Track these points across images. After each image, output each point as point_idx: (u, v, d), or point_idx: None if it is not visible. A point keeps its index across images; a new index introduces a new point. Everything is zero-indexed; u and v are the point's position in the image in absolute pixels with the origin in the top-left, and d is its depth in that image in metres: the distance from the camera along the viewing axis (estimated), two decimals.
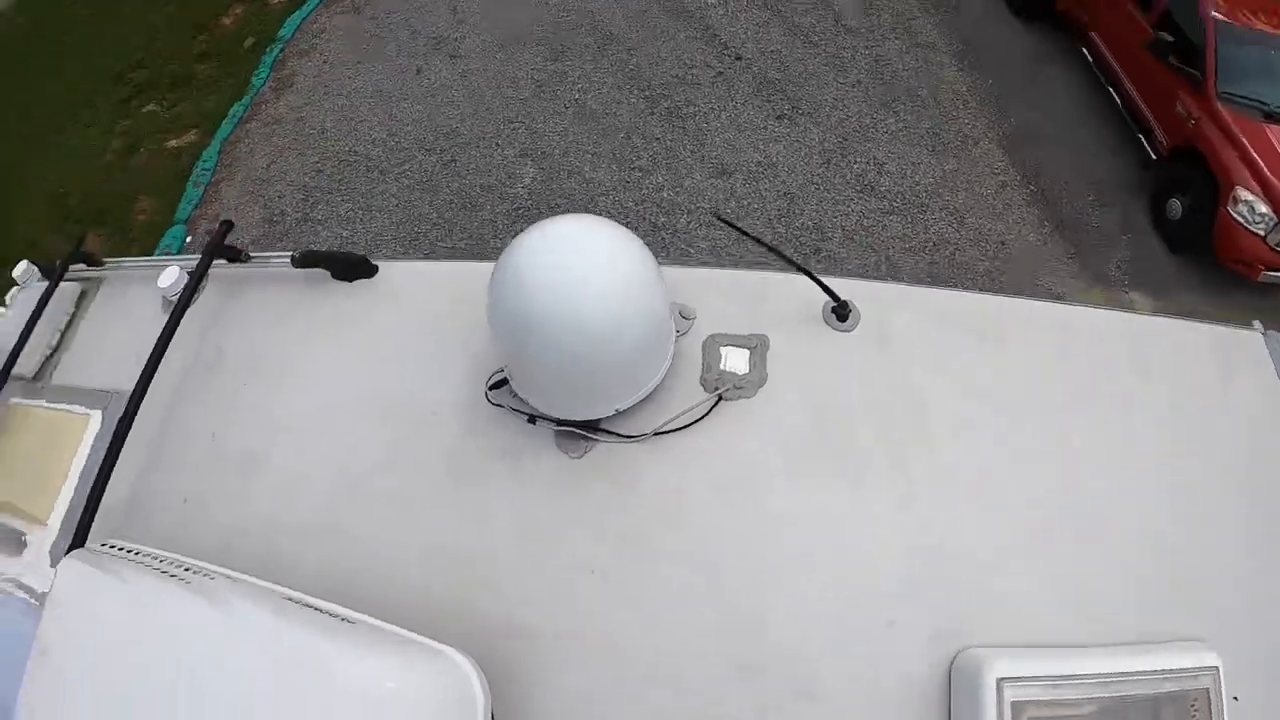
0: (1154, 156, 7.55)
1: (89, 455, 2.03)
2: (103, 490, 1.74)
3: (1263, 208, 6.36)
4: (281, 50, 9.52)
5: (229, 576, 1.45)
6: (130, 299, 2.34)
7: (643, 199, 6.90)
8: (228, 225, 2.18)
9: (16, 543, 2.03)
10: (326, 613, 1.32)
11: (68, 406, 2.16)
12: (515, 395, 1.62)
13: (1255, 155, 6.51)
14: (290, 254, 2.03)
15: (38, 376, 2.28)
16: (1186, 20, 7.22)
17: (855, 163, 7.32)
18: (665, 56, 8.16)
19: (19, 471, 2.13)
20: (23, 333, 2.23)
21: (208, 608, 1.33)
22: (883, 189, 7.16)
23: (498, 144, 7.52)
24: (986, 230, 7.06)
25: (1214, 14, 7.11)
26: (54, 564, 1.90)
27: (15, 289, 2.65)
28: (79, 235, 2.60)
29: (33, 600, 1.89)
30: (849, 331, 1.60)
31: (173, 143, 9.05)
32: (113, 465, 1.77)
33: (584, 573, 1.47)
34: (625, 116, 7.57)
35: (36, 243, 8.60)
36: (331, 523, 1.67)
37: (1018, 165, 7.59)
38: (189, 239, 7.99)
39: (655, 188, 6.96)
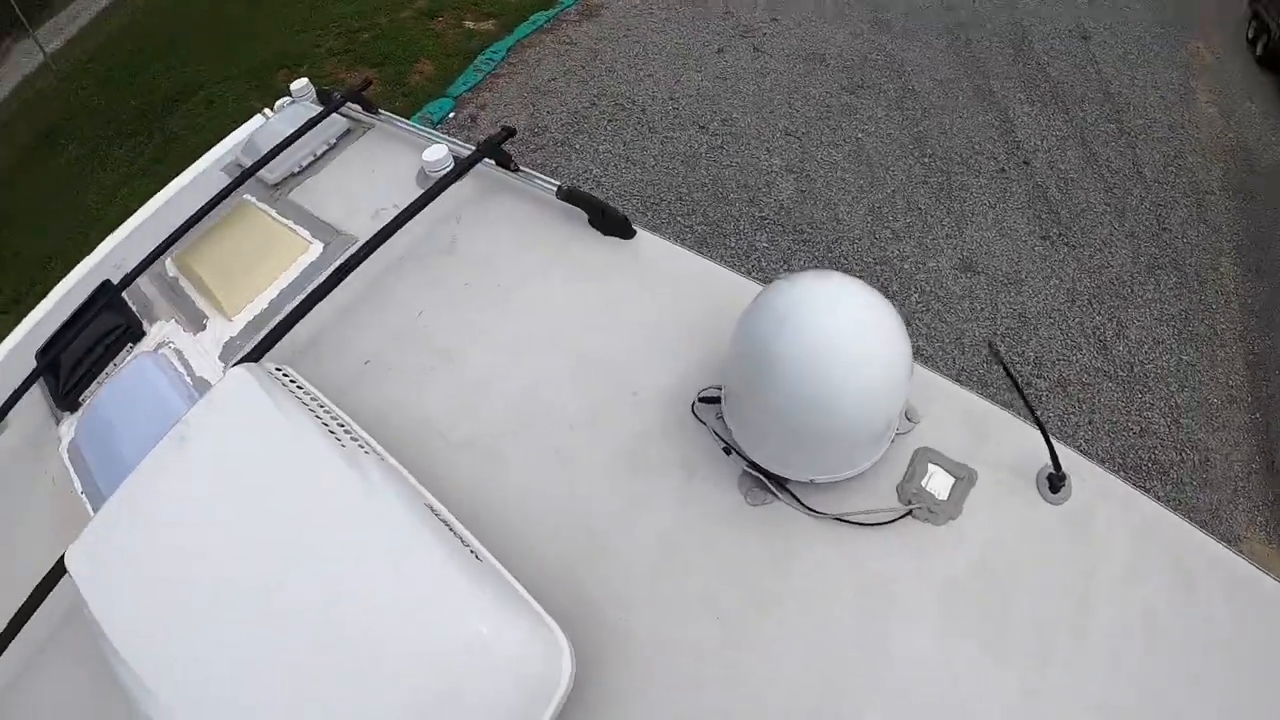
0: None
1: (295, 278, 2.08)
2: (297, 319, 1.78)
3: None
4: None
5: (382, 457, 1.43)
6: (389, 157, 2.37)
7: (883, 260, 6.86)
8: (510, 131, 2.21)
9: (197, 321, 2.11)
10: (460, 538, 1.31)
11: (293, 225, 2.22)
12: (720, 419, 1.57)
13: None
14: (557, 184, 2.02)
15: (278, 187, 2.38)
16: None
17: (1098, 314, 7.09)
18: (956, 132, 8.05)
19: (227, 262, 2.18)
20: (281, 143, 2.32)
21: (350, 474, 1.32)
22: (1114, 352, 6.92)
23: (768, 149, 7.60)
24: (1197, 439, 6.74)
25: None
26: (222, 357, 1.98)
27: (287, 99, 2.76)
28: (365, 77, 2.77)
29: (187, 378, 1.96)
30: (1055, 505, 1.52)
31: (469, 23, 9.48)
32: (318, 299, 1.80)
33: (706, 612, 1.40)
34: (898, 174, 7.52)
35: (315, 61, 9.22)
36: (492, 448, 1.63)
37: (1255, 388, 7.20)
38: (451, 114, 8.39)
39: (899, 256, 6.92)
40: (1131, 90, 9.09)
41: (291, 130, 2.41)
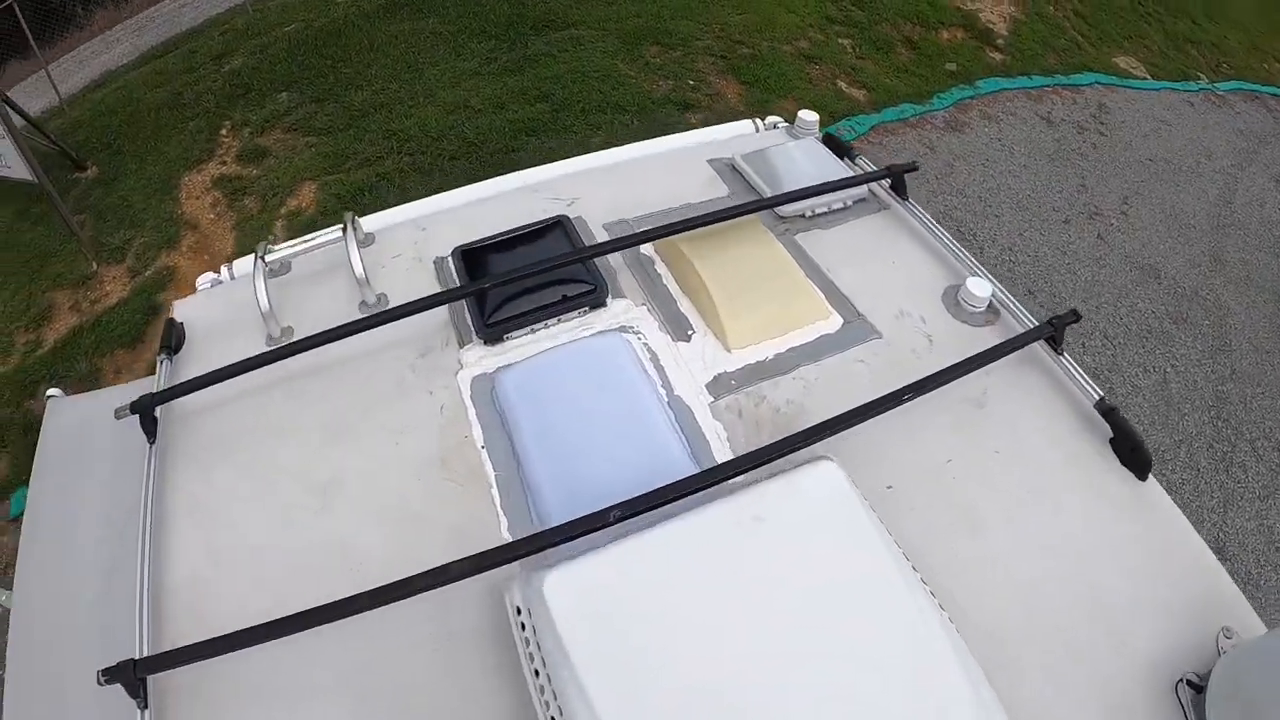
0: None
1: (807, 344, 2.00)
2: (855, 422, 1.66)
3: None
4: (970, 98, 10.06)
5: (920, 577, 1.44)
6: (910, 253, 2.30)
7: None
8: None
9: (681, 329, 2.01)
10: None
11: (812, 282, 2.13)
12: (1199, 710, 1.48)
13: None
14: (1100, 395, 1.89)
15: (786, 220, 2.36)
16: None
17: None
18: (1256, 408, 8.20)
19: (736, 286, 2.03)
20: (816, 187, 2.28)
21: (903, 585, 1.36)
22: None
23: (1083, 346, 7.87)
24: None
25: None
26: (711, 388, 1.88)
27: (775, 120, 3.09)
28: (912, 161, 2.48)
29: (660, 386, 1.86)
30: None
31: (842, 84, 9.84)
32: (877, 410, 1.69)
33: None
34: (1190, 425, 7.75)
35: (689, 50, 9.68)
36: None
37: None
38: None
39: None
40: None
41: (806, 163, 2.42)
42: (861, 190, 2.42)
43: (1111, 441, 1.85)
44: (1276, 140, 11.21)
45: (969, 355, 1.84)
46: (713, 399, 1.88)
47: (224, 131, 8.85)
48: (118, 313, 7.15)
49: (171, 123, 9.11)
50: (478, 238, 2.19)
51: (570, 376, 1.85)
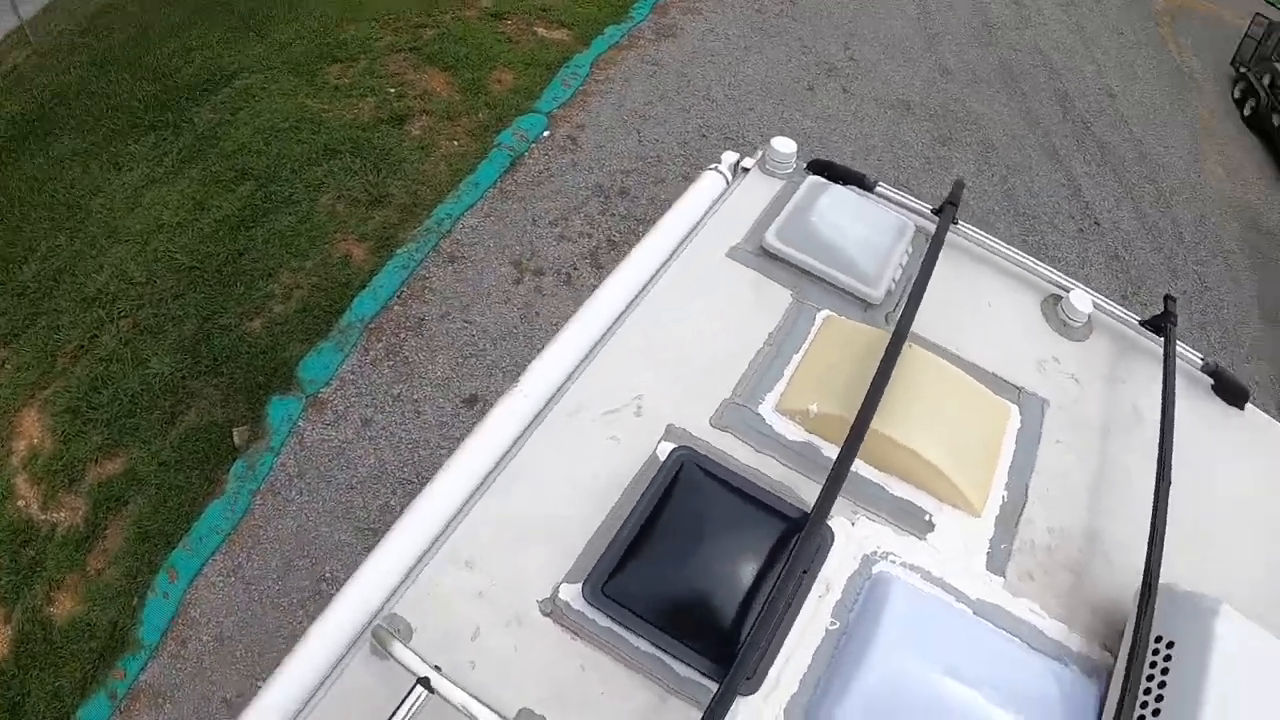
0: None
1: (1016, 455, 1.79)
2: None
3: None
4: None
5: None
6: (996, 285, 2.13)
7: None
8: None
9: (916, 519, 1.65)
10: None
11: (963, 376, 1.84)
12: None
13: None
14: (1203, 359, 2.02)
15: (878, 308, 1.99)
16: None
17: None
18: (1038, 191, 8.79)
19: (928, 427, 1.71)
20: (903, 267, 2.01)
21: None
22: None
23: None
24: None
25: None
26: (991, 568, 1.62)
27: (737, 159, 2.27)
28: (958, 179, 2.35)
29: (958, 604, 1.55)
30: None
31: (541, 30, 9.30)
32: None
33: None
34: (999, 230, 8.15)
35: (375, 57, 8.75)
36: None
37: None
38: (546, 133, 8.27)
39: None
40: (1158, 150, 10.18)
41: (852, 221, 2.04)
42: (908, 227, 2.10)
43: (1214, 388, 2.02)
44: None
45: (1113, 378, 1.95)
46: (1002, 578, 1.59)
47: None
48: None
49: None
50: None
51: (904, 669, 1.42)
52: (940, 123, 9.04)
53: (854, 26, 10.02)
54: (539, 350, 1.76)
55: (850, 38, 9.82)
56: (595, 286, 1.90)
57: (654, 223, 2.08)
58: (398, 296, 7.06)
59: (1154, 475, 1.66)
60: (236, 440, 6.17)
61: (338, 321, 6.81)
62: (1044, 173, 9.04)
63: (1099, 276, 8.29)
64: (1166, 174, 9.84)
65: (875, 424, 1.58)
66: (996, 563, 1.62)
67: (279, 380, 6.48)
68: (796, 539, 1.44)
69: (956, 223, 2.11)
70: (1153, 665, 1.40)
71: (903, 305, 1.85)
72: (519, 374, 1.71)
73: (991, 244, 2.14)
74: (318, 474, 6.02)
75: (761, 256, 2.01)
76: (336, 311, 6.86)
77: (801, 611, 1.46)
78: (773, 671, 1.40)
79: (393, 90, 8.51)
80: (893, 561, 1.58)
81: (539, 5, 9.53)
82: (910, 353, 1.77)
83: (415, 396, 6.53)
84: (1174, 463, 1.68)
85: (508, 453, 1.60)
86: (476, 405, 6.52)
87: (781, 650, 1.43)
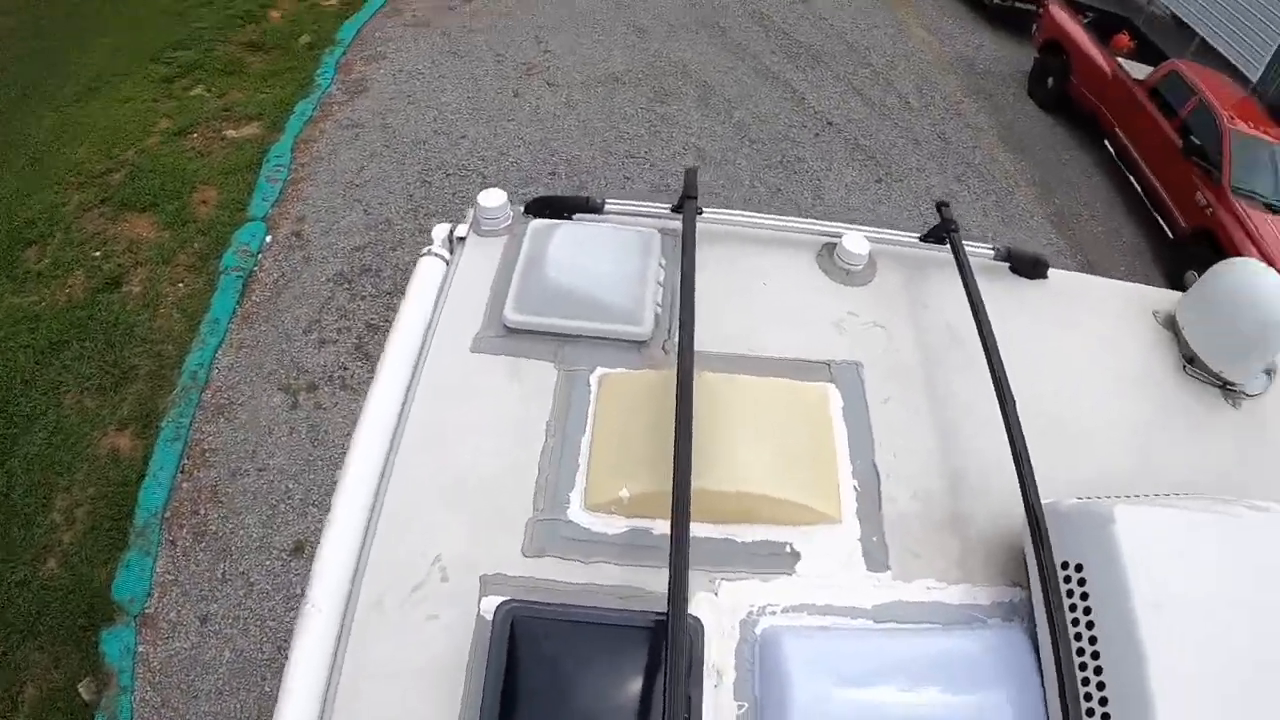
0: (1171, 235, 9.11)
1: (848, 433, 1.71)
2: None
3: None
4: (344, 54, 9.47)
5: None
6: (752, 259, 2.04)
7: None
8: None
9: (783, 556, 1.54)
10: None
11: (772, 376, 1.77)
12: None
13: (1261, 237, 8.25)
14: (995, 248, 2.12)
15: (648, 343, 1.83)
16: (1204, 128, 9.00)
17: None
18: (766, 114, 8.87)
19: (771, 450, 1.63)
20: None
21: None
22: None
23: (626, 176, 7.92)
24: None
25: (1230, 125, 8.86)
26: (871, 568, 1.54)
27: (446, 233, 2.05)
28: (694, 166, 2.06)
29: (859, 620, 1.48)
30: None
31: (230, 132, 8.78)
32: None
33: None
34: (744, 166, 8.19)
35: (68, 224, 8.05)
36: None
37: (1066, 238, 8.85)
38: (269, 238, 7.79)
39: None
40: (862, 35, 10.51)
41: (553, 262, 1.87)
42: (654, 238, 2.02)
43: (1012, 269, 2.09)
44: None
45: (915, 305, 1.99)
46: (888, 572, 1.57)
47: None
48: None
49: None
50: None
51: None
52: (652, 82, 9.00)
53: (540, 19, 9.90)
54: (322, 529, 1.55)
55: (540, 30, 9.67)
56: (369, 379, 1.71)
57: (398, 308, 1.87)
58: (181, 472, 6.45)
59: (991, 388, 1.64)
60: (86, 696, 5.49)
61: (131, 525, 6.15)
62: (766, 95, 9.14)
63: (850, 172, 8.45)
64: (877, 54, 10.16)
65: (697, 483, 1.42)
66: (876, 560, 1.56)
67: (100, 614, 5.80)
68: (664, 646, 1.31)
69: (701, 212, 1.98)
70: (1070, 594, 1.41)
71: (675, 330, 1.76)
72: (328, 504, 1.54)
73: (744, 219, 2.07)
74: (181, 693, 5.41)
75: (509, 337, 1.81)
76: (126, 515, 6.20)
77: (703, 713, 1.33)
78: None
79: (98, 254, 7.80)
80: (772, 613, 1.48)
81: (220, 107, 8.97)
82: (704, 381, 1.65)
83: (241, 569, 5.97)
84: (1004, 361, 1.68)
85: (330, 677, 1.36)
86: (304, 551, 6.04)
87: None
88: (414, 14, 9.93)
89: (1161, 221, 9.29)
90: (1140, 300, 2.19)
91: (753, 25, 10.29)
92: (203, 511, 6.23)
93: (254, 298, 7.42)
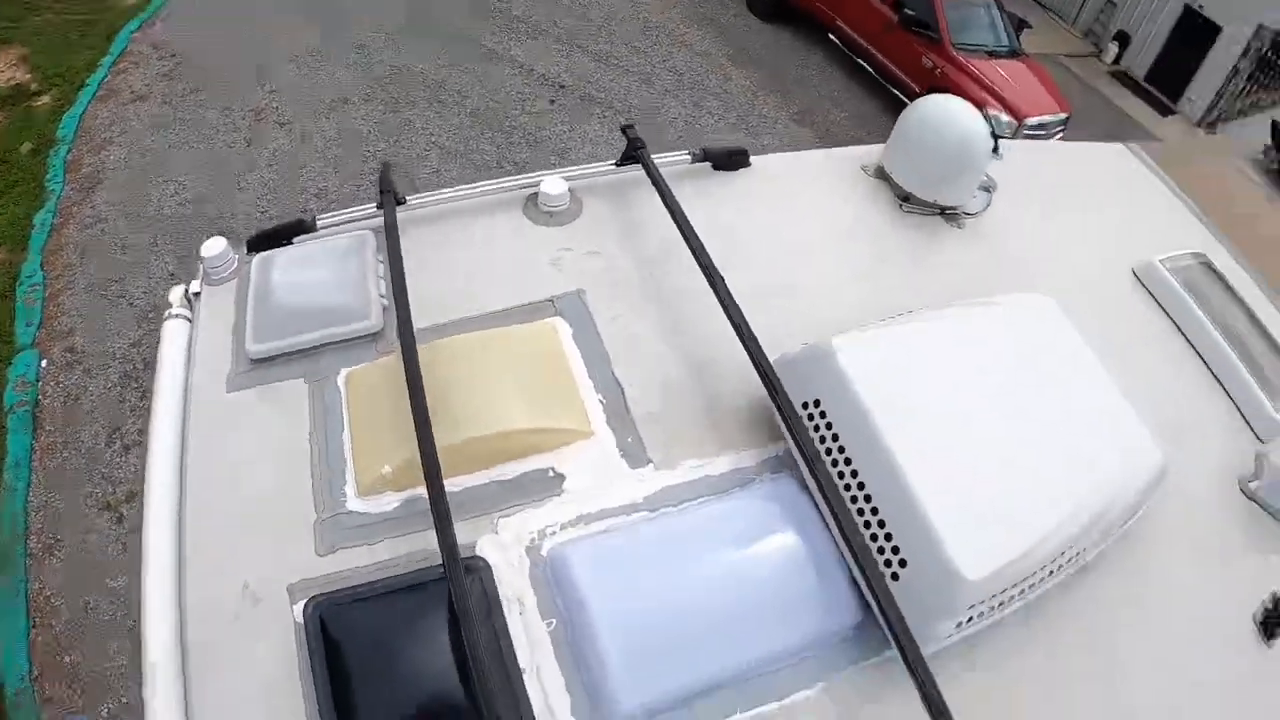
0: (909, 103, 9.87)
1: (583, 357, 1.88)
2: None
3: (1005, 117, 9.21)
4: (69, 151, 9.16)
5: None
6: (432, 237, 2.16)
7: None
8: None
9: (548, 480, 1.70)
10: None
11: (496, 327, 1.92)
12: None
13: (989, 82, 9.31)
14: (693, 152, 2.41)
15: (377, 337, 1.95)
16: (917, 2, 9.81)
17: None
18: (498, 91, 9.07)
19: (510, 388, 1.77)
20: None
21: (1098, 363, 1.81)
22: None
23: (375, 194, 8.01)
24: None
25: None
26: (634, 463, 1.72)
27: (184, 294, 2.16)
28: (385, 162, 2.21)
29: (636, 515, 1.65)
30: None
31: None
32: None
33: None
34: (489, 150, 8.39)
35: None
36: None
37: (813, 131, 9.43)
38: (44, 363, 7.58)
39: None
40: None
41: (278, 287, 1.97)
42: (366, 243, 2.15)
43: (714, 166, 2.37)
44: None
45: (628, 229, 2.15)
46: (650, 465, 1.77)
47: None
48: None
49: None
50: None
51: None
52: (381, 95, 9.08)
53: (258, 59, 9.75)
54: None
55: (259, 72, 9.55)
56: None
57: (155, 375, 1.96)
58: (34, 626, 6.28)
59: (705, 279, 1.83)
60: None
61: None
62: (494, 75, 9.34)
63: (593, 128, 8.77)
64: (595, 8, 10.46)
65: (444, 438, 1.56)
66: (636, 457, 1.72)
67: None
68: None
69: (404, 201, 2.14)
70: (816, 429, 1.57)
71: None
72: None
73: (448, 194, 2.20)
74: None
75: (257, 368, 1.90)
76: None
77: (515, 640, 1.46)
78: (538, 707, 1.40)
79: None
80: (553, 534, 1.61)
81: None
82: (434, 348, 1.78)
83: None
84: (719, 247, 1.91)
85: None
86: None
87: (528, 687, 1.42)
88: (131, 91, 9.64)
89: (898, 92, 10.08)
90: (846, 160, 2.49)
91: (467, 13, 10.43)
92: (67, 660, 6.12)
93: (47, 427, 7.23)
